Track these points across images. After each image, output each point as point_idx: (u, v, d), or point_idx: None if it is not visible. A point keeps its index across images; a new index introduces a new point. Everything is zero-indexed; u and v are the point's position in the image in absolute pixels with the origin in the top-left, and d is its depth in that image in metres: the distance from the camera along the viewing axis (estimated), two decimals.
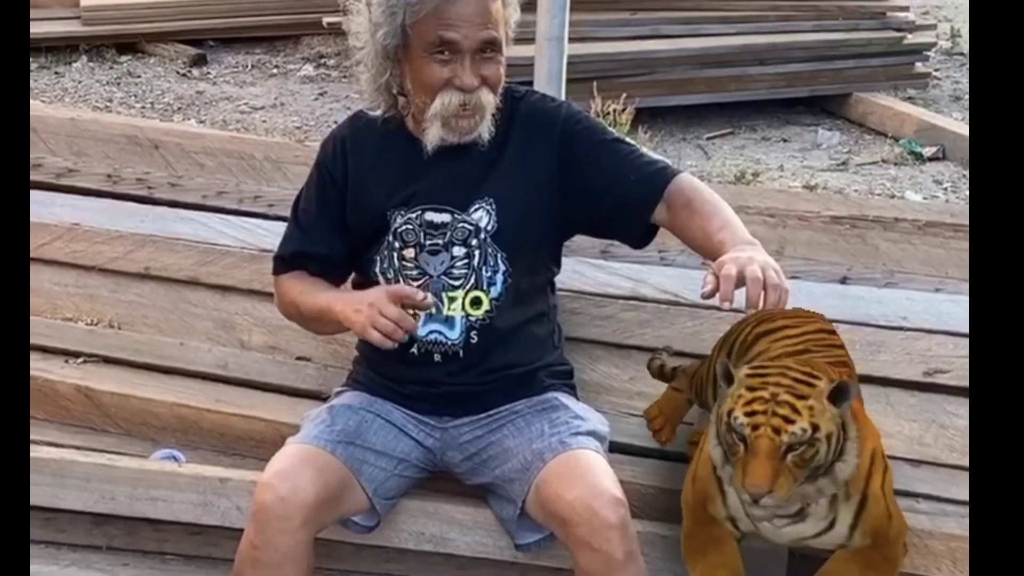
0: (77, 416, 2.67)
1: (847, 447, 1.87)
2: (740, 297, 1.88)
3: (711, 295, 1.89)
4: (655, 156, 2.34)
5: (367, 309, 2.11)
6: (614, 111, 4.78)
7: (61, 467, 2.37)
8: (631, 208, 2.22)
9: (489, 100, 2.18)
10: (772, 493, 1.81)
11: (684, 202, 2.18)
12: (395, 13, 2.14)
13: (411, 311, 2.11)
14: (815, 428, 1.82)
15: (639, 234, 2.27)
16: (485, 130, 2.20)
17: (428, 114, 2.18)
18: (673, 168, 2.27)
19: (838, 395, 1.84)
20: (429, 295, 2.16)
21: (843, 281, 2.80)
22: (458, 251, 2.22)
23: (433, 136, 2.19)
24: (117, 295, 2.93)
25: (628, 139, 2.36)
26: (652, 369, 2.53)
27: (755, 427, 1.83)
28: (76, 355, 2.79)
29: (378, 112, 2.28)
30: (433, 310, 2.20)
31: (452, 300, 2.22)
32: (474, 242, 2.22)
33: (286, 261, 2.35)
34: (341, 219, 2.30)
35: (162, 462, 2.46)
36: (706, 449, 2.00)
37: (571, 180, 2.24)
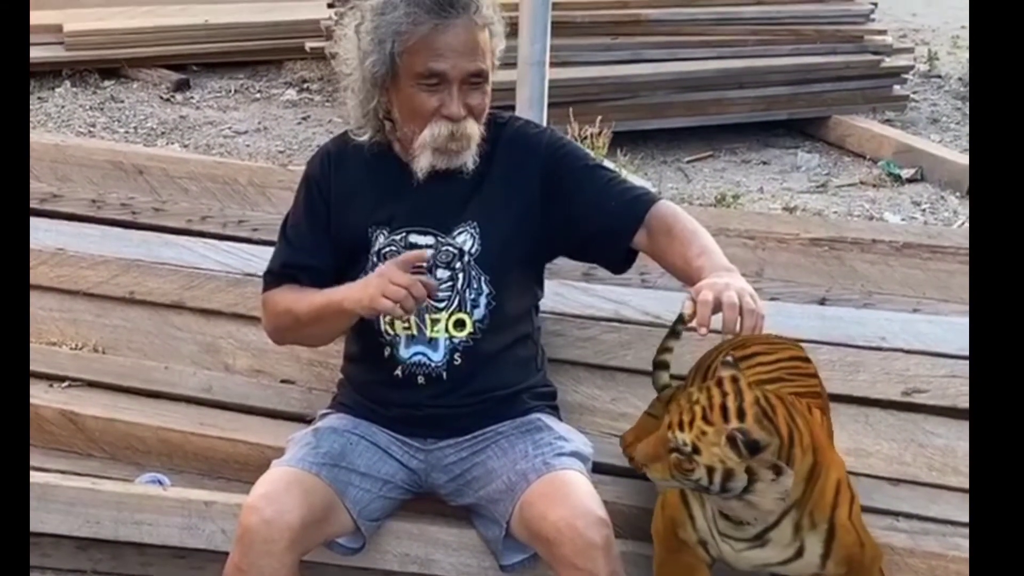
0: (61, 440, 2.67)
1: (758, 487, 1.87)
2: (717, 322, 1.91)
3: (689, 320, 1.92)
4: (636, 183, 2.37)
5: (376, 280, 2.09)
6: (591, 135, 4.82)
7: (45, 491, 2.36)
8: (612, 233, 2.25)
9: (475, 130, 2.21)
10: (647, 468, 1.94)
11: (664, 228, 2.21)
12: (384, 42, 2.17)
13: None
14: (695, 450, 1.86)
15: (619, 259, 2.30)
16: (470, 159, 2.23)
17: (417, 143, 2.21)
18: (654, 195, 2.31)
19: (733, 445, 1.85)
20: (428, 251, 2.19)
21: (822, 302, 2.83)
22: (442, 274, 2.24)
23: (423, 164, 2.22)
24: (102, 319, 2.94)
25: (610, 165, 2.39)
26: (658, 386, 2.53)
27: (669, 412, 1.94)
28: (61, 379, 2.80)
29: (364, 138, 2.30)
30: (415, 331, 2.23)
31: (435, 322, 2.24)
32: (458, 265, 2.24)
33: (276, 274, 2.33)
34: (329, 232, 2.31)
35: (147, 486, 2.46)
36: None
37: (553, 205, 2.27)
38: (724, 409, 1.88)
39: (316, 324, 2.25)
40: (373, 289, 2.08)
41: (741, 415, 1.87)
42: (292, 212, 2.37)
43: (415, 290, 2.06)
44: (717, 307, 1.91)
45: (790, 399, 1.99)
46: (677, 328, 2.44)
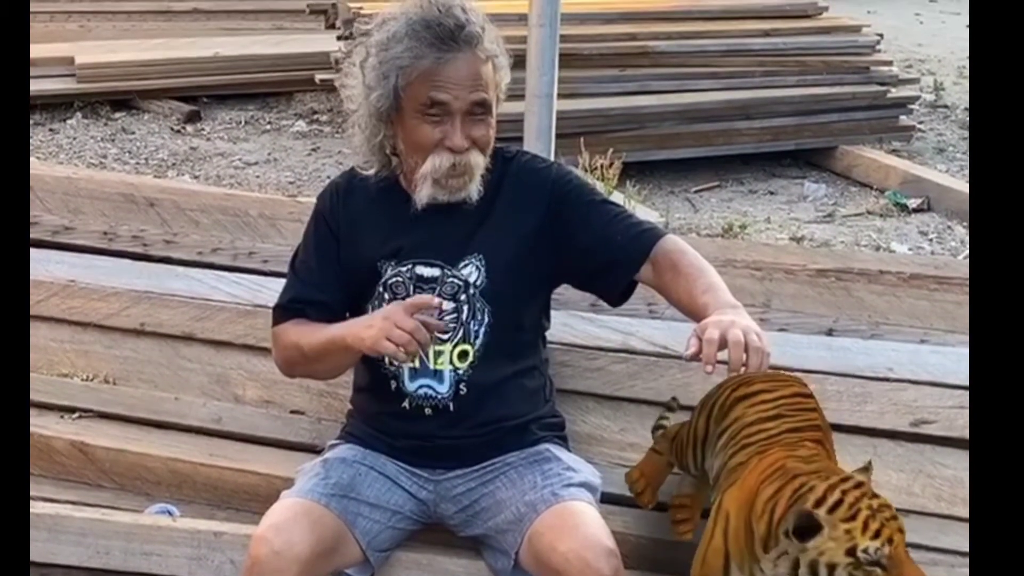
0: (72, 471, 2.68)
1: None
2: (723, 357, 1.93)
3: (694, 357, 1.94)
4: (642, 218, 2.39)
5: (381, 322, 2.10)
6: (601, 166, 4.84)
7: (56, 522, 2.37)
8: (617, 266, 2.27)
9: (479, 161, 2.22)
10: None
11: (670, 264, 2.22)
12: (388, 76, 2.20)
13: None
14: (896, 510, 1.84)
15: (620, 291, 2.31)
16: (474, 190, 2.24)
17: (419, 174, 2.23)
18: (660, 229, 2.32)
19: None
20: (444, 303, 2.17)
21: (829, 333, 2.83)
22: (447, 305, 2.24)
23: (424, 195, 2.23)
24: (112, 351, 2.96)
25: (618, 198, 2.41)
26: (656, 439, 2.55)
27: (890, 540, 1.80)
28: (71, 411, 2.81)
29: (371, 172, 2.32)
30: (417, 364, 2.24)
31: (439, 354, 2.25)
32: (463, 297, 2.26)
33: (285, 309, 2.34)
34: (338, 266, 2.32)
35: (156, 516, 2.47)
36: (716, 542, 2.01)
37: (560, 238, 2.28)
38: (855, 484, 1.84)
39: (322, 360, 2.28)
40: (376, 331, 2.09)
41: (851, 476, 1.87)
42: (302, 246, 2.39)
43: (419, 335, 2.07)
44: (722, 345, 1.92)
45: (821, 466, 1.98)
46: (673, 405, 2.54)
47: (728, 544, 1.98)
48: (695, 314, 2.11)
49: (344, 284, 2.32)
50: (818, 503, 1.83)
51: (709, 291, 2.13)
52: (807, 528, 1.79)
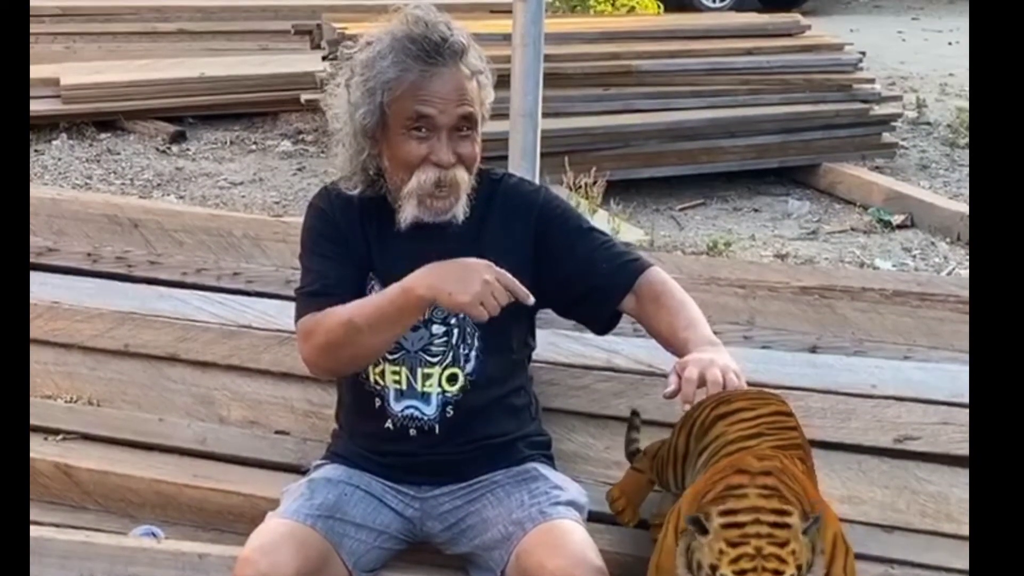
0: (55, 493, 2.67)
1: (815, 562, 1.86)
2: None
3: (674, 395, 1.96)
4: (628, 248, 2.40)
5: (480, 288, 2.03)
6: (586, 184, 4.85)
7: (39, 545, 2.35)
8: (600, 295, 2.28)
9: (464, 178, 2.22)
10: None
11: (653, 296, 2.23)
12: (373, 92, 2.19)
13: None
14: (799, 568, 1.81)
15: (604, 320, 2.32)
16: (460, 210, 2.23)
17: (404, 191, 2.21)
18: (645, 260, 2.33)
19: (810, 526, 1.84)
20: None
21: (813, 350, 2.84)
22: (437, 328, 2.25)
23: (407, 214, 2.22)
24: (96, 372, 2.94)
25: (604, 218, 2.41)
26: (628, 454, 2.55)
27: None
28: (55, 432, 2.80)
29: (355, 192, 2.31)
30: (404, 385, 2.24)
31: (428, 377, 2.24)
32: (453, 320, 2.25)
33: (315, 295, 2.20)
34: (347, 249, 2.26)
35: (141, 539, 2.46)
36: (668, 541, 2.01)
37: (545, 264, 2.28)
38: (775, 525, 1.81)
39: (381, 326, 2.13)
40: (472, 296, 2.03)
41: (787, 513, 1.84)
42: (308, 241, 2.29)
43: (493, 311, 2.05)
44: (701, 383, 1.94)
45: (778, 466, 1.98)
46: (636, 422, 2.52)
47: (679, 541, 1.97)
48: (675, 349, 2.14)
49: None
50: (724, 512, 1.84)
51: (690, 327, 2.15)
52: (698, 525, 1.84)
